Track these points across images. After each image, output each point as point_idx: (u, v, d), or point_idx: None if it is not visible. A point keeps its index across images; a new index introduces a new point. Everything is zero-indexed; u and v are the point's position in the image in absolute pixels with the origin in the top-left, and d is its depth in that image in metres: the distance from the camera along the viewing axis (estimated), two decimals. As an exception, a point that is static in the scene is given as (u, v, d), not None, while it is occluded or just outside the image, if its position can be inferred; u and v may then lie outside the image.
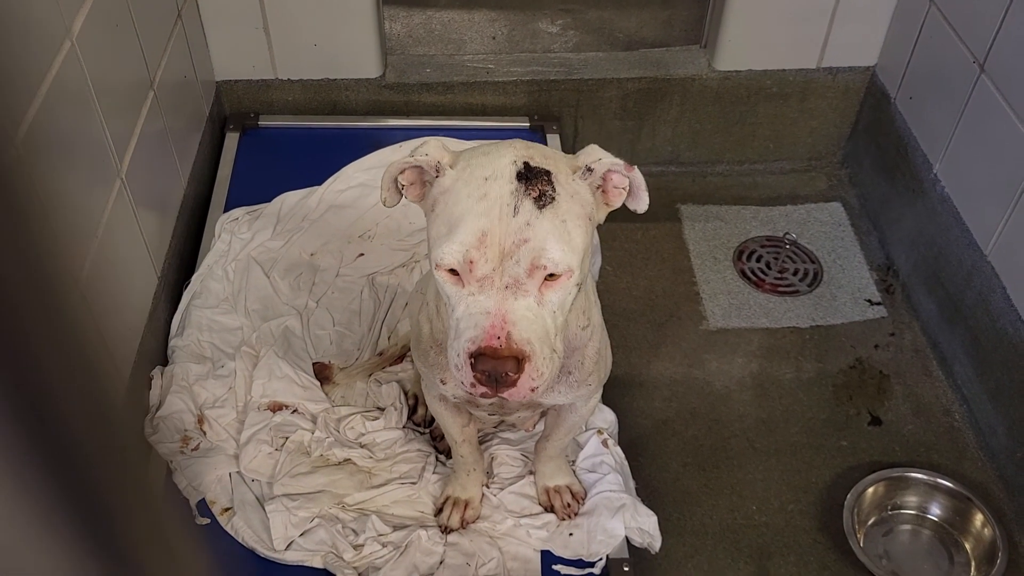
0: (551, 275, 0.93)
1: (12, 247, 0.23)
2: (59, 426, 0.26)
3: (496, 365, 0.92)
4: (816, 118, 2.36)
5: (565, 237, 0.93)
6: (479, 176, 0.94)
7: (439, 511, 1.46)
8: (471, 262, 0.92)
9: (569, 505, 1.47)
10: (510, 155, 0.94)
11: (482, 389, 0.95)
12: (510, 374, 0.92)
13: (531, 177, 0.93)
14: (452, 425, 1.35)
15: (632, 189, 1.01)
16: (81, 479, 0.27)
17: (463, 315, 0.94)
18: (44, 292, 0.25)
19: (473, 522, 1.45)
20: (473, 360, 0.93)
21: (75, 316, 0.26)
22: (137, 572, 0.30)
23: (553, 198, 0.93)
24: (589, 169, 0.97)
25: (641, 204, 1.01)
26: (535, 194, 0.92)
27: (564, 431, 1.37)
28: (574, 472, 1.52)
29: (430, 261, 0.97)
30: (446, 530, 1.44)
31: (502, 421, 1.54)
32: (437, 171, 0.98)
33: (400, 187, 1.04)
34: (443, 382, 1.19)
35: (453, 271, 0.94)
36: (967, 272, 1.88)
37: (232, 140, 2.12)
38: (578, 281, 0.96)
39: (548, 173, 0.94)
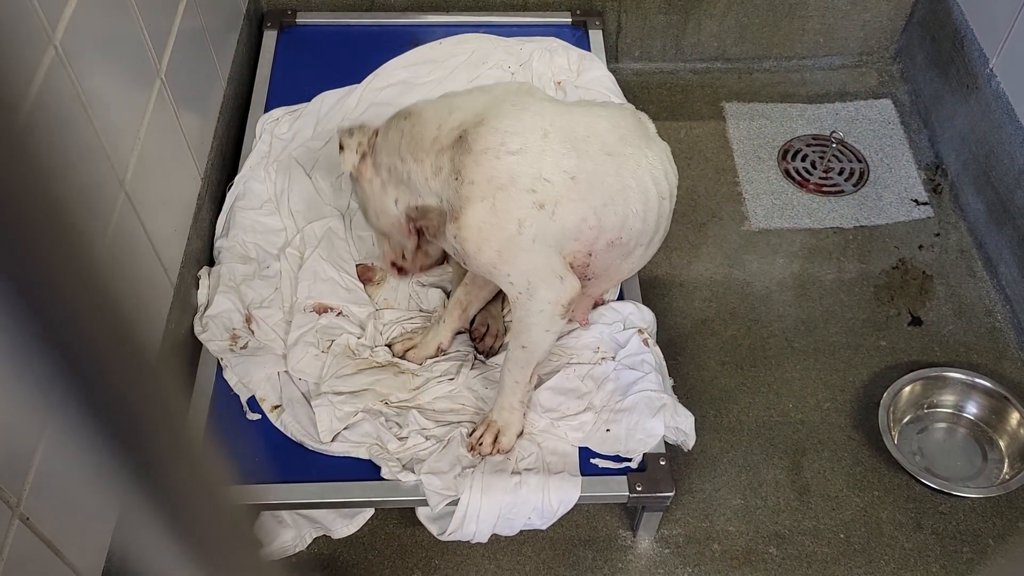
0: None
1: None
2: (91, 368, 0.26)
3: None
4: (869, 10, 2.28)
5: None
6: None
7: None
8: None
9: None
10: None
11: None
12: None
13: None
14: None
15: None
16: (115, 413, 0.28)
17: None
18: (72, 237, 0.24)
19: (508, 451, 1.45)
20: None
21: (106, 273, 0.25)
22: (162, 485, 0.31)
23: None
24: None
25: None
26: None
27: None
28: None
29: None
30: (473, 451, 1.44)
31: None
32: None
33: None
34: None
35: None
36: (1018, 171, 1.83)
37: (270, 38, 2.10)
38: None
39: None
